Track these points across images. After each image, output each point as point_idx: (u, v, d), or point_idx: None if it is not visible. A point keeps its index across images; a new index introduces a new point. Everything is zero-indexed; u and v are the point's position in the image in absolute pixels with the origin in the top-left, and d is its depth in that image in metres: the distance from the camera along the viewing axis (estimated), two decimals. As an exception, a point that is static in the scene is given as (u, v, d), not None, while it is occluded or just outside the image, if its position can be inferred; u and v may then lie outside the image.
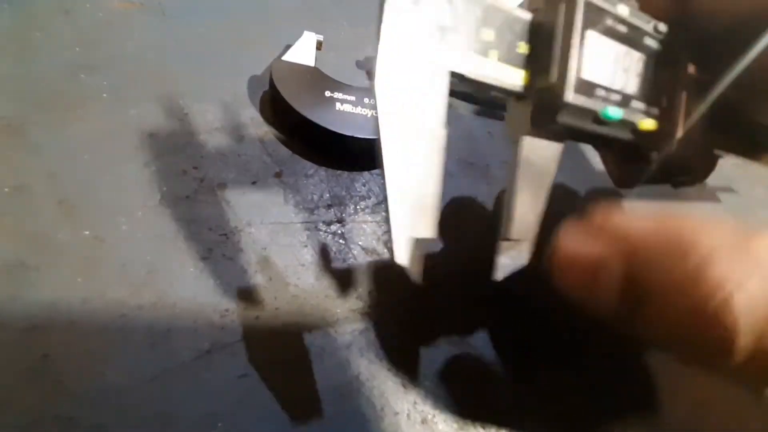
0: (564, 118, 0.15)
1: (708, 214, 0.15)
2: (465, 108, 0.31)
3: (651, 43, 0.16)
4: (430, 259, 0.23)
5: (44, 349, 0.16)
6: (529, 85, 0.15)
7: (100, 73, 0.24)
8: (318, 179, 0.24)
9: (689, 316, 0.11)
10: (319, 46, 0.27)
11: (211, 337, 0.18)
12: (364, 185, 0.25)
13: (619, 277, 0.12)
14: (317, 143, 0.24)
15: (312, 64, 0.26)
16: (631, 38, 0.16)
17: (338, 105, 0.25)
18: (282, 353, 0.18)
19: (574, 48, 0.14)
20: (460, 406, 0.18)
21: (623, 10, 0.15)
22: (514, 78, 0.15)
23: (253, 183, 0.23)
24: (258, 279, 0.20)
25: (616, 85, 0.16)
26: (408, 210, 0.13)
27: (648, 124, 0.16)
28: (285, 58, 0.26)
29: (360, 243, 0.22)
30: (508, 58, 0.15)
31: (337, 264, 0.21)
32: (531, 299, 0.23)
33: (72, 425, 0.15)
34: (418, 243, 0.14)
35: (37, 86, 0.23)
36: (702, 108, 0.17)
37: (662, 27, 0.16)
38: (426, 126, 0.13)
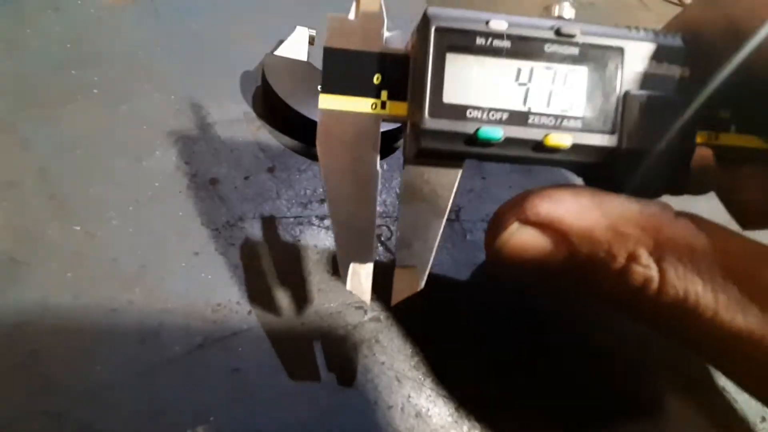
0: (429, 143, 0.15)
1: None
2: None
3: (560, 49, 0.15)
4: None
5: (33, 344, 0.16)
6: (408, 114, 0.15)
7: (91, 69, 0.24)
8: (311, 174, 0.24)
9: (619, 278, 0.14)
10: (311, 41, 0.27)
11: (203, 332, 0.18)
12: (358, 180, 0.24)
13: (564, 257, 0.15)
14: (310, 138, 0.24)
15: (305, 58, 0.26)
16: (521, 51, 0.15)
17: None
18: (274, 347, 0.18)
19: (428, 75, 0.14)
20: (454, 400, 0.18)
21: (498, 25, 0.14)
22: (400, 110, 0.16)
23: (246, 178, 0.23)
24: (250, 274, 0.20)
25: (503, 103, 0.15)
26: (350, 243, 0.16)
27: (558, 139, 0.15)
28: (277, 53, 0.26)
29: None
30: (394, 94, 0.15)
31: (330, 258, 0.21)
32: (527, 294, 0.23)
33: (61, 421, 0.15)
34: (360, 270, 0.16)
35: (28, 82, 0.23)
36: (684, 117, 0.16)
37: (568, 28, 0.15)
38: (360, 170, 0.16)
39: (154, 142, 0.22)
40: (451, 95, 0.15)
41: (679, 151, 0.15)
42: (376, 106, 0.15)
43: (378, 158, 0.16)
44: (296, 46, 0.26)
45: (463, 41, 0.14)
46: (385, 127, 0.16)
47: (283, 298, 0.19)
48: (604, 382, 0.21)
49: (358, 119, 0.15)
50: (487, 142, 0.15)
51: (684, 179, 0.16)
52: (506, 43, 0.15)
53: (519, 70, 0.15)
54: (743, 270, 0.13)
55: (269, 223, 0.21)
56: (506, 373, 0.20)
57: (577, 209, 0.15)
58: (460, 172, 0.16)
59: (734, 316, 0.13)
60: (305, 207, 0.23)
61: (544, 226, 0.15)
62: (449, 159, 0.16)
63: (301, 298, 0.19)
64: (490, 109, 0.15)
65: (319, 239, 0.22)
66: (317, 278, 0.20)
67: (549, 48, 0.15)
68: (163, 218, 0.20)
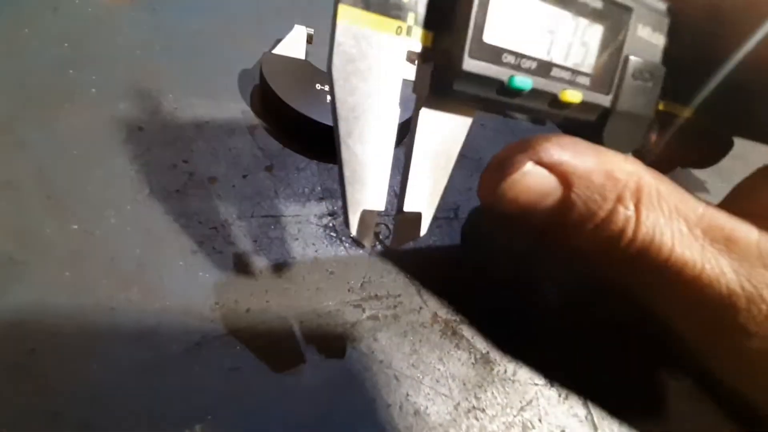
0: (461, 87, 0.14)
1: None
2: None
3: (589, 1, 0.14)
4: (426, 250, 0.22)
5: (31, 343, 0.16)
6: (432, 46, 0.14)
7: (88, 69, 0.24)
8: (309, 172, 0.24)
9: (604, 220, 0.16)
10: (309, 39, 0.27)
11: (201, 331, 0.18)
12: (356, 178, 0.24)
13: (553, 208, 0.16)
14: (308, 136, 0.24)
15: (303, 57, 0.26)
16: None
17: (329, 98, 0.25)
18: (272, 346, 0.18)
19: (474, 7, 0.13)
20: (452, 398, 0.18)
21: None
22: (428, 40, 0.14)
23: (244, 176, 0.23)
24: (248, 272, 0.20)
25: (534, 51, 0.14)
26: (361, 184, 0.14)
27: (572, 95, 0.15)
28: (275, 51, 0.26)
29: (352, 236, 0.22)
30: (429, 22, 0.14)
31: (328, 257, 0.21)
32: (527, 289, 0.23)
33: (59, 420, 0.15)
34: (369, 215, 0.14)
35: (26, 82, 0.23)
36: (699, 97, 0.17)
37: None
38: (380, 105, 0.14)
39: (152, 141, 0.22)
40: (491, 35, 0.13)
41: (647, 117, 0.17)
42: (401, 30, 0.13)
43: (399, 92, 0.14)
44: (294, 45, 0.26)
45: None
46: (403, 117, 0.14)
47: (280, 296, 0.19)
48: (608, 381, 0.21)
49: (379, 42, 0.13)
50: (516, 92, 0.14)
51: (641, 142, 0.18)
52: None
53: (551, 17, 0.14)
54: (687, 211, 0.16)
55: (267, 222, 0.21)
56: (506, 371, 0.20)
57: (581, 154, 0.16)
58: (471, 119, 0.15)
59: (684, 250, 0.15)
60: (303, 205, 0.22)
61: (553, 167, 0.16)
62: (470, 104, 0.15)
63: (300, 296, 0.19)
64: (523, 56, 0.14)
65: (317, 238, 0.22)
66: (316, 277, 0.20)
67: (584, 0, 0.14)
68: (161, 217, 0.20)
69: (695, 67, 0.17)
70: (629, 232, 0.16)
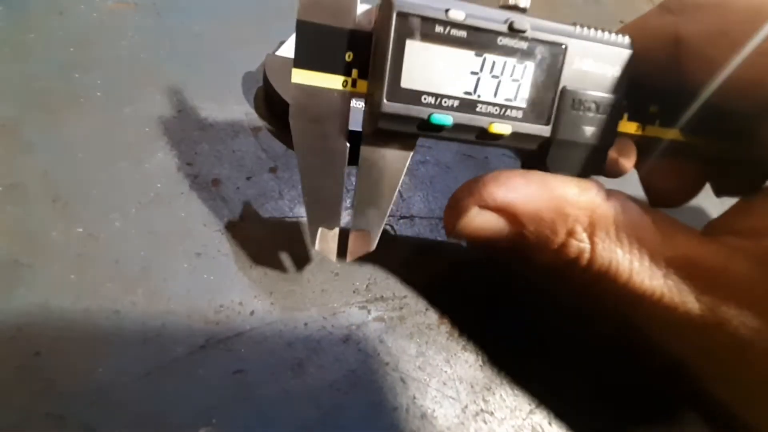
0: (386, 125, 0.16)
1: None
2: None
3: (511, 43, 0.16)
4: (431, 251, 0.22)
5: (36, 346, 0.16)
6: (367, 93, 0.16)
7: (94, 73, 0.24)
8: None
9: (557, 251, 0.17)
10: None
11: (205, 333, 0.17)
12: (361, 179, 0.24)
13: (509, 240, 0.17)
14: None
15: (306, 58, 0.26)
16: (476, 42, 0.15)
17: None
18: (277, 348, 0.18)
19: (388, 59, 0.15)
20: (459, 401, 0.18)
21: (457, 15, 0.15)
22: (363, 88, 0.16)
23: (248, 178, 0.23)
24: (253, 274, 0.19)
25: (455, 90, 0.16)
26: (318, 208, 0.17)
27: (500, 128, 0.16)
28: (278, 53, 0.26)
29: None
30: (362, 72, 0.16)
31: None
32: (537, 288, 0.22)
33: (63, 423, 0.15)
34: (329, 232, 0.18)
35: (32, 86, 0.23)
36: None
37: (520, 24, 0.15)
38: (329, 145, 0.16)
39: (157, 144, 0.22)
40: (408, 81, 0.15)
41: (601, 142, 0.17)
42: (347, 84, 0.16)
43: (346, 134, 0.16)
44: (298, 46, 0.26)
45: (423, 28, 0.15)
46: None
47: (285, 298, 0.19)
48: (613, 382, 0.20)
49: (329, 95, 0.16)
50: (439, 127, 0.16)
51: (602, 165, 0.18)
52: (463, 33, 0.15)
53: (472, 60, 0.16)
54: (651, 241, 0.16)
55: (272, 224, 0.21)
56: (513, 373, 0.19)
57: (527, 193, 0.16)
58: (411, 152, 0.17)
59: (643, 279, 0.16)
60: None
61: (499, 209, 0.16)
62: (403, 138, 0.17)
63: (304, 298, 0.19)
64: (444, 96, 0.16)
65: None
66: (320, 278, 0.20)
67: (501, 41, 0.16)
68: (165, 219, 0.20)
69: (674, 92, 0.18)
70: (583, 261, 0.16)
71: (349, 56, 0.15)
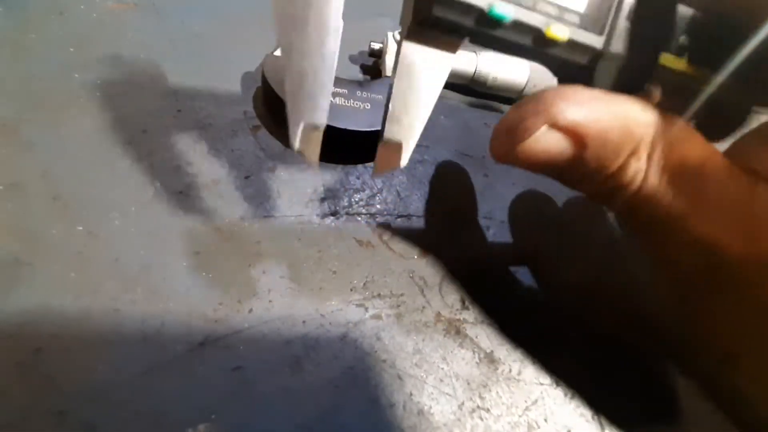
0: (441, 12, 0.14)
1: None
2: (461, 99, 0.31)
3: None
4: (429, 248, 0.22)
5: (36, 344, 0.16)
6: None
7: (93, 72, 0.24)
8: (312, 173, 0.24)
9: (616, 173, 0.16)
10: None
11: (204, 331, 0.18)
12: (358, 178, 0.24)
13: (576, 157, 0.16)
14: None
15: (305, 58, 0.26)
16: None
17: (330, 98, 0.25)
18: (276, 346, 0.18)
19: None
20: (456, 397, 0.18)
21: None
22: None
23: (247, 177, 0.23)
24: (251, 272, 0.20)
25: None
26: (303, 98, 0.15)
27: (558, 31, 0.15)
28: (277, 53, 0.26)
29: (354, 236, 0.22)
30: None
31: (331, 256, 0.21)
32: (534, 285, 0.23)
33: (63, 420, 0.15)
34: (312, 129, 0.15)
35: (32, 85, 0.23)
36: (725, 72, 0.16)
37: None
38: (322, 19, 0.14)
39: (156, 144, 0.23)
40: None
41: (645, 65, 0.16)
42: None
43: (341, 8, 0.14)
44: (296, 46, 0.26)
45: None
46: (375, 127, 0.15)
47: (283, 296, 0.19)
48: (611, 380, 0.20)
49: None
50: (497, 22, 0.14)
51: (642, 89, 0.17)
52: None
53: None
54: (695, 165, 0.15)
55: (270, 223, 0.21)
56: (510, 371, 0.20)
57: (596, 110, 0.15)
58: (453, 57, 0.16)
59: (684, 200, 0.15)
60: (306, 206, 0.23)
61: (569, 129, 0.15)
62: (450, 35, 0.15)
63: (303, 296, 0.19)
64: None
65: (320, 237, 0.22)
66: (318, 277, 0.20)
67: None
68: (165, 218, 0.20)
69: (716, 29, 0.16)
70: (636, 184, 0.15)
71: None
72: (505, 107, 0.32)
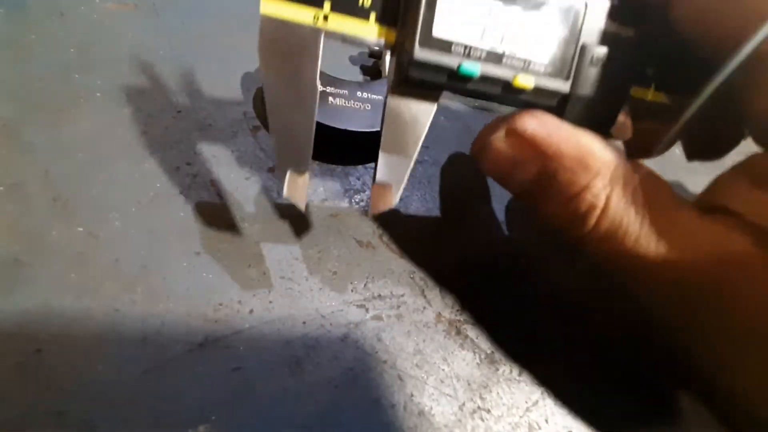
0: (416, 74, 0.16)
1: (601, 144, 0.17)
2: (461, 101, 0.31)
3: None
4: (429, 249, 0.22)
5: (37, 344, 0.16)
6: (395, 41, 0.16)
7: (93, 73, 0.25)
8: (312, 174, 0.24)
9: (570, 202, 0.16)
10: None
11: (204, 331, 0.18)
12: (359, 179, 0.24)
13: (532, 172, 0.17)
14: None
15: (305, 59, 0.26)
16: None
17: (331, 99, 0.25)
18: (276, 346, 0.18)
19: (421, 7, 0.15)
20: (457, 398, 0.18)
21: None
22: (388, 35, 0.16)
23: (247, 178, 0.23)
24: (252, 273, 0.20)
25: (483, 42, 0.16)
26: (287, 149, 0.17)
27: (524, 81, 0.16)
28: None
29: (355, 237, 0.22)
30: (383, 18, 0.16)
31: (331, 257, 0.21)
32: (534, 286, 0.23)
33: (63, 420, 0.15)
34: (298, 177, 0.17)
35: (32, 87, 0.23)
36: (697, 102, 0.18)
37: None
38: (300, 83, 0.16)
39: (156, 144, 0.23)
40: (440, 29, 0.15)
41: (615, 101, 0.18)
42: (317, 18, 0.15)
43: (318, 72, 0.16)
44: (296, 47, 0.26)
45: None
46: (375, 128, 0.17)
47: (283, 297, 0.19)
48: (611, 380, 0.20)
49: (299, 30, 0.15)
50: (467, 78, 0.16)
51: (611, 125, 0.18)
52: None
53: (501, 13, 0.16)
54: (662, 210, 0.16)
55: (270, 223, 0.21)
56: (510, 371, 0.19)
57: (557, 132, 0.16)
58: (435, 106, 0.17)
59: (650, 244, 0.16)
60: (306, 206, 0.22)
61: (525, 139, 0.17)
62: (428, 91, 0.17)
63: (303, 296, 0.19)
64: (472, 47, 0.16)
65: (320, 238, 0.22)
66: (318, 277, 0.20)
67: None
68: (164, 219, 0.20)
69: (683, 57, 0.18)
70: (593, 218, 0.16)
71: None
72: (505, 109, 0.32)
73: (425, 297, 0.21)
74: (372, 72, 0.31)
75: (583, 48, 0.17)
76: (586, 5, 0.16)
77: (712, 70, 0.17)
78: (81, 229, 0.19)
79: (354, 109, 0.25)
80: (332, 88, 0.25)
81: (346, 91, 0.25)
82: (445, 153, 0.27)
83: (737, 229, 0.16)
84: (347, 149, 0.24)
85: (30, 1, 0.27)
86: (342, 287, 0.20)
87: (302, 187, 0.17)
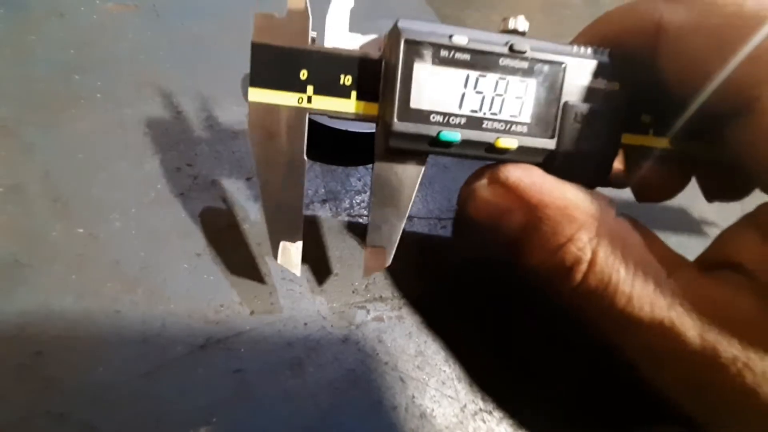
0: (397, 143, 0.16)
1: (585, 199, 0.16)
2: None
3: (513, 63, 0.16)
4: (430, 251, 0.22)
5: (37, 346, 0.16)
6: (378, 114, 0.17)
7: (94, 74, 0.24)
8: (313, 175, 0.24)
9: (554, 254, 0.16)
10: (312, 42, 0.27)
11: (205, 333, 0.18)
12: (359, 180, 0.24)
13: (518, 221, 0.17)
14: (311, 139, 0.24)
15: (305, 60, 0.26)
16: (479, 63, 0.16)
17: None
18: (277, 348, 0.18)
19: (397, 82, 0.16)
20: (458, 400, 0.18)
21: (460, 40, 0.16)
22: (370, 109, 0.17)
23: (248, 179, 0.23)
24: (253, 274, 0.20)
25: (462, 109, 0.16)
26: (280, 223, 0.18)
27: (506, 143, 0.17)
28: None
29: (356, 238, 0.22)
30: (363, 95, 0.17)
31: (332, 259, 0.21)
32: (535, 291, 0.23)
33: (63, 421, 0.15)
34: (290, 246, 0.18)
35: (33, 87, 0.23)
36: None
37: (519, 45, 0.16)
38: (288, 159, 0.17)
39: (157, 145, 0.23)
40: (417, 101, 0.16)
41: (605, 153, 0.18)
42: (302, 100, 0.17)
43: (304, 148, 0.17)
44: (297, 48, 0.26)
45: (429, 53, 0.16)
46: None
47: (285, 298, 0.19)
48: (612, 381, 0.20)
49: (285, 112, 0.17)
50: (447, 144, 0.17)
51: (606, 176, 0.18)
52: (466, 56, 0.16)
53: (477, 80, 0.16)
54: (657, 268, 0.15)
55: (271, 224, 0.21)
56: (512, 372, 0.19)
57: (540, 185, 0.16)
58: (423, 168, 0.18)
59: (643, 305, 0.15)
60: (307, 207, 0.22)
61: (508, 188, 0.17)
62: (414, 156, 0.17)
63: (304, 298, 0.19)
64: (451, 114, 0.16)
65: (320, 240, 0.21)
66: (320, 278, 0.20)
67: (503, 61, 0.16)
68: (165, 220, 0.20)
69: (654, 99, 0.18)
70: (579, 273, 0.15)
71: (303, 74, 0.16)
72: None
73: (426, 299, 0.21)
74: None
75: (566, 106, 0.17)
76: (564, 68, 0.17)
77: (709, 113, 0.16)
78: (81, 230, 0.19)
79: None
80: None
81: (347, 92, 0.25)
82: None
83: (744, 290, 0.14)
84: (348, 150, 0.24)
85: (30, 2, 0.27)
86: (343, 288, 0.20)
87: (295, 254, 0.18)
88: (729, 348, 0.14)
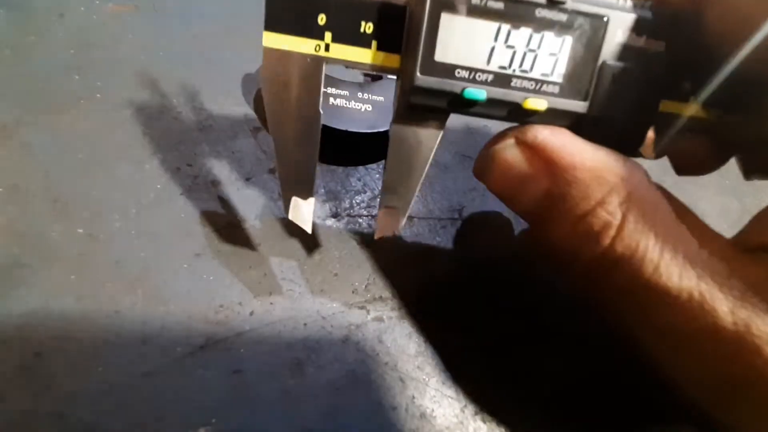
0: (418, 100, 0.15)
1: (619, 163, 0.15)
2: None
3: (550, 15, 0.15)
4: (430, 251, 0.22)
5: (37, 347, 0.16)
6: (399, 68, 0.16)
7: (93, 74, 0.24)
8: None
9: (582, 220, 0.15)
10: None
11: (205, 333, 0.17)
12: (359, 180, 0.24)
13: (542, 188, 0.16)
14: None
15: (305, 60, 0.26)
16: (512, 14, 0.15)
17: (332, 100, 0.25)
18: (277, 348, 0.18)
19: (421, 32, 0.15)
20: (459, 400, 0.18)
21: None
22: (391, 61, 0.16)
23: (247, 179, 0.23)
24: (252, 275, 0.20)
25: (490, 65, 0.15)
26: (293, 179, 0.17)
27: (535, 103, 0.15)
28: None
29: (355, 238, 0.22)
30: (385, 45, 0.16)
31: (332, 259, 0.21)
32: (537, 285, 0.23)
33: (63, 422, 0.15)
34: (302, 203, 0.17)
35: (32, 87, 0.23)
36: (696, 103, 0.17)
37: None
38: (303, 111, 0.16)
39: (156, 145, 0.23)
40: (442, 54, 0.15)
41: (640, 120, 0.17)
42: (319, 48, 0.15)
43: (320, 100, 0.16)
44: (297, 48, 0.26)
45: (459, 1, 0.15)
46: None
47: (284, 299, 0.19)
48: (613, 381, 0.20)
49: (301, 60, 0.15)
50: (472, 102, 0.15)
51: (639, 145, 0.17)
52: (500, 5, 0.15)
53: (509, 33, 0.15)
54: (688, 238, 0.15)
55: (271, 225, 0.21)
56: (512, 372, 0.19)
57: (570, 146, 0.15)
58: (442, 131, 0.17)
59: (671, 275, 0.14)
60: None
61: (536, 149, 0.15)
62: (434, 114, 0.16)
63: (304, 298, 0.19)
64: (478, 70, 0.15)
65: (321, 240, 0.21)
66: (319, 278, 0.20)
67: (540, 13, 0.15)
68: (165, 220, 0.20)
69: (698, 64, 0.17)
70: (607, 238, 0.15)
71: (321, 19, 0.15)
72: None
73: (426, 299, 0.21)
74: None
75: (603, 66, 0.16)
76: (606, 23, 0.15)
77: (757, 80, 0.15)
78: (81, 230, 0.19)
79: (355, 110, 0.25)
80: (333, 89, 0.25)
81: (346, 92, 0.25)
82: (446, 153, 0.27)
83: None
84: (348, 150, 0.24)
85: (30, 2, 0.27)
86: (343, 289, 0.20)
87: (307, 211, 0.17)
88: (763, 327, 0.13)
